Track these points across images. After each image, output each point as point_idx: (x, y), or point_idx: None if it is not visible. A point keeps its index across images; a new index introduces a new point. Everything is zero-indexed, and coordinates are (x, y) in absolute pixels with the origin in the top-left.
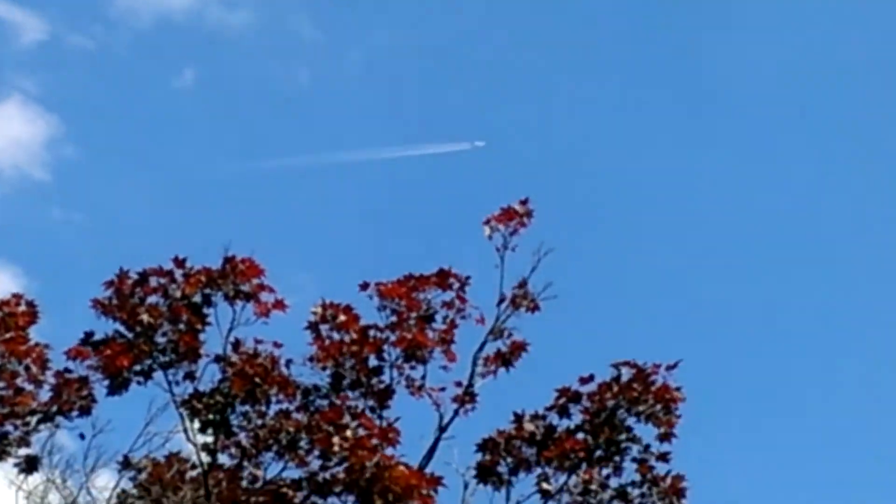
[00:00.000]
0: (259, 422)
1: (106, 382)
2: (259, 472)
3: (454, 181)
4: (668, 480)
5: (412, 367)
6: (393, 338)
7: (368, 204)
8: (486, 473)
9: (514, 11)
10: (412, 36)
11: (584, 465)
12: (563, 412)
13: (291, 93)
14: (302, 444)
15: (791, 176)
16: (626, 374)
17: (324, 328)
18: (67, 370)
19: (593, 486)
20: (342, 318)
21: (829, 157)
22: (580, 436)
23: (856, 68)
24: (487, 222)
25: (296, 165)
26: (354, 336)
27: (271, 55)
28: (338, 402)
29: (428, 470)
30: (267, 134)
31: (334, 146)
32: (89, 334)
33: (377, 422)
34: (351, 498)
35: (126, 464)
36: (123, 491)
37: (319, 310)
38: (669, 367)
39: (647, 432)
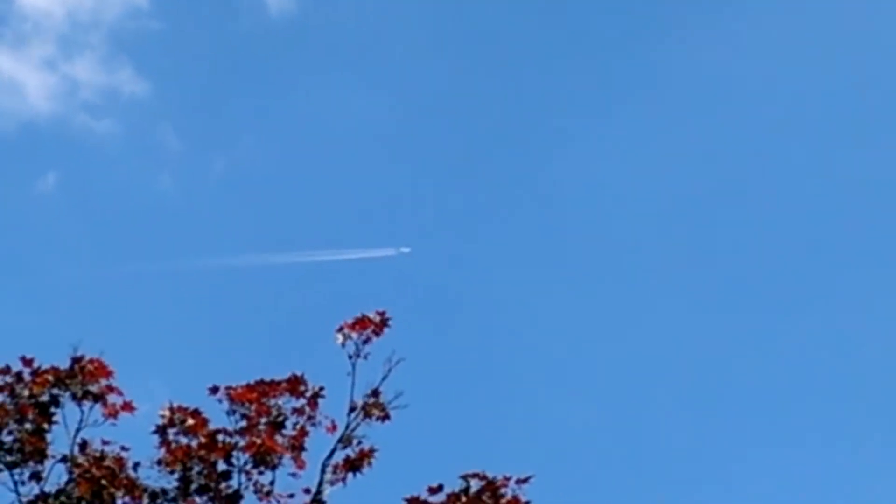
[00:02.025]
0: None
1: None
2: None
3: (315, 288)
4: None
5: (261, 473)
6: (242, 442)
7: (226, 310)
8: None
9: (381, 118)
10: (276, 143)
11: None
12: None
13: (153, 199)
14: None
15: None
16: (476, 485)
17: (172, 432)
18: None
19: None
20: (190, 421)
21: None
22: None
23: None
24: (340, 330)
25: (154, 271)
26: (203, 440)
27: (135, 163)
28: None
29: None
30: (127, 239)
31: (196, 253)
32: None
33: None
34: None
35: None
36: None
37: (167, 413)
38: (520, 481)
39: None
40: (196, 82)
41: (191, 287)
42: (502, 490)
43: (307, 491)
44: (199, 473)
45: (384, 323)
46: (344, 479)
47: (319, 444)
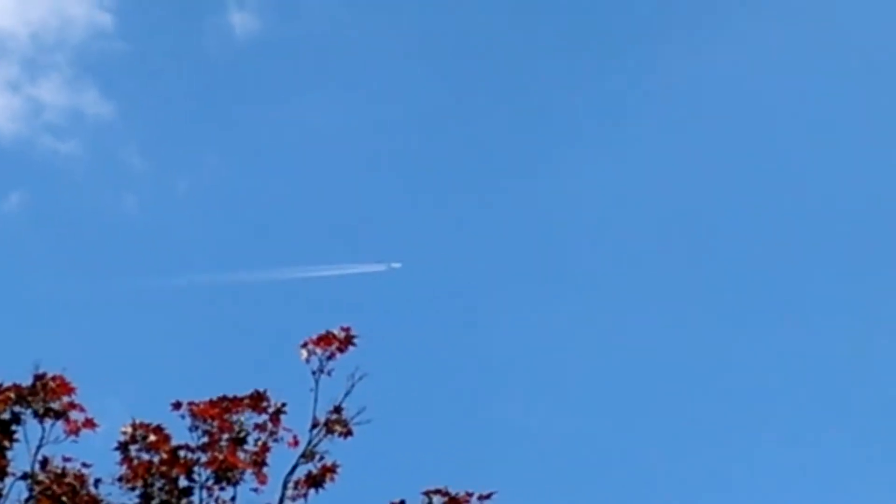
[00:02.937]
0: None
1: None
2: None
3: (280, 306)
4: None
5: (222, 489)
6: (204, 458)
7: (193, 328)
8: None
9: (348, 133)
10: (241, 162)
11: None
12: None
13: (118, 219)
14: None
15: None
16: (438, 501)
17: (133, 448)
18: None
19: None
20: (152, 437)
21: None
22: None
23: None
24: (305, 345)
25: (119, 289)
26: (165, 456)
27: (99, 183)
28: None
29: None
30: (91, 258)
31: (162, 272)
32: None
33: None
34: None
35: None
36: None
37: (129, 429)
38: (483, 497)
39: None
40: (160, 103)
41: (156, 305)
42: None
43: None
44: (161, 489)
45: (349, 340)
46: (305, 495)
47: (282, 460)
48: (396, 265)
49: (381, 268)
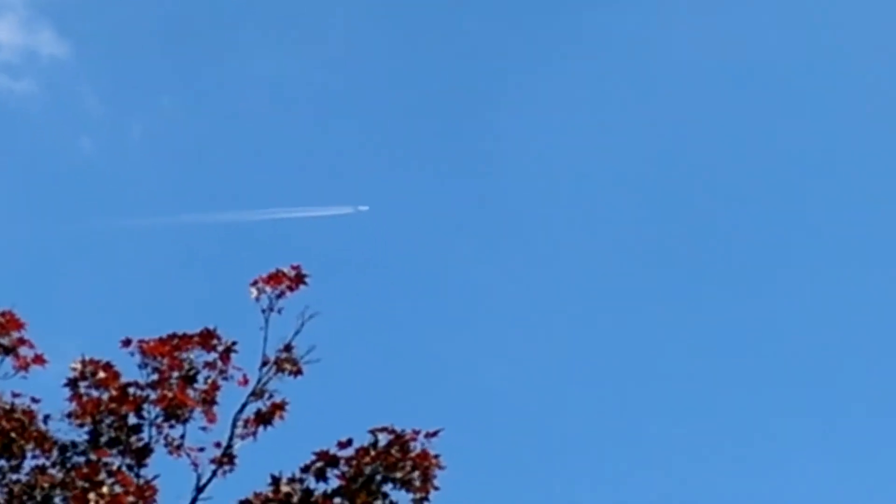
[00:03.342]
0: (14, 477)
1: None
2: None
3: (240, 248)
4: None
5: (172, 427)
6: (154, 396)
7: (146, 269)
8: None
9: (307, 81)
10: (196, 106)
11: None
12: (321, 475)
13: (73, 160)
14: (57, 500)
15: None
16: (384, 439)
17: (83, 385)
18: None
19: None
20: (102, 374)
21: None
22: (337, 500)
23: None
24: (255, 284)
25: (73, 231)
26: (114, 393)
27: (54, 124)
28: (95, 458)
29: None
30: (45, 198)
31: (117, 213)
32: None
33: (135, 480)
34: None
35: None
36: None
37: (79, 366)
38: (429, 435)
39: (405, 498)
40: (116, 44)
41: (111, 246)
42: (411, 444)
43: (218, 445)
44: (110, 426)
45: (300, 279)
46: (255, 433)
47: (231, 398)
48: (364, 208)
49: (347, 210)
